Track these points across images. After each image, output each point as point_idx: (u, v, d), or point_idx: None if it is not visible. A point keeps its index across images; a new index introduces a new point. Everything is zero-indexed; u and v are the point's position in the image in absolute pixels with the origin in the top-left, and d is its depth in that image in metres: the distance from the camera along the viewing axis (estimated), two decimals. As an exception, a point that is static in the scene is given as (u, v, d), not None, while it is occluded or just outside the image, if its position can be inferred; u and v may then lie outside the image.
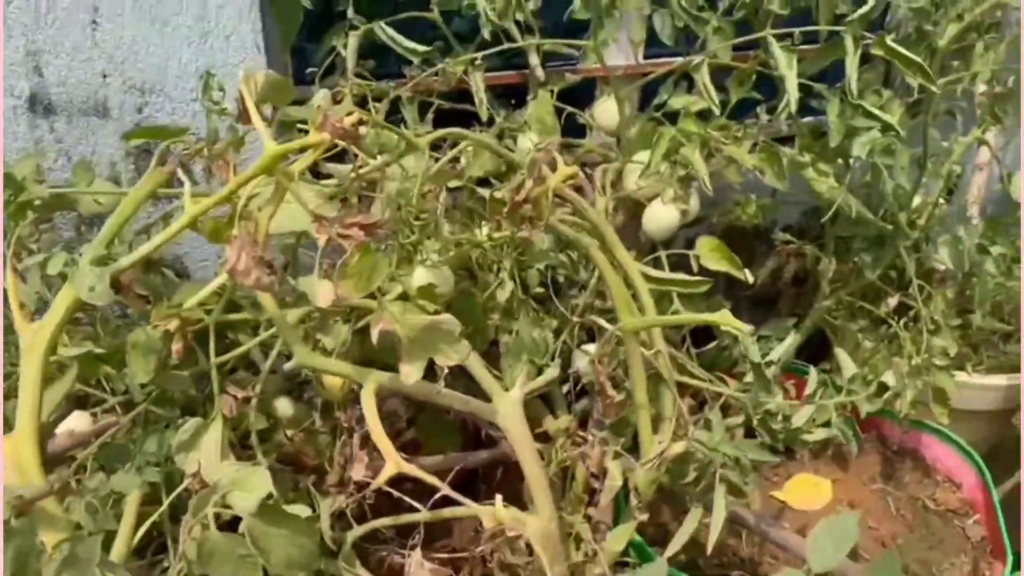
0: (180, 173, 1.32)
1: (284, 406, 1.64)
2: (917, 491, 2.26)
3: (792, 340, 1.84)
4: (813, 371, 1.53)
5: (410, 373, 1.19)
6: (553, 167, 1.27)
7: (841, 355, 1.62)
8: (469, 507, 1.29)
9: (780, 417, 1.51)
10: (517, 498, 1.70)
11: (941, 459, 2.30)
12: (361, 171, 1.39)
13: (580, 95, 2.20)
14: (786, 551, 1.84)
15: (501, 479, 1.91)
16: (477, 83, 1.72)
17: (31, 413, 1.12)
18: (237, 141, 1.51)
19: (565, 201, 1.49)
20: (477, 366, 1.34)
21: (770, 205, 2.20)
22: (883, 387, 1.62)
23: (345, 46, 1.84)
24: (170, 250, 1.92)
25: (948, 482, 2.28)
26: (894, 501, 2.25)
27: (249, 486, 1.01)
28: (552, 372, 1.54)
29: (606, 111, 2.01)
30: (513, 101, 2.16)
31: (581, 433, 1.71)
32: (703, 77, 1.63)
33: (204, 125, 1.85)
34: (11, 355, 1.60)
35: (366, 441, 1.31)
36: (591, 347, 1.60)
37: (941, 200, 2.24)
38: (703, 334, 1.87)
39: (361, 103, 1.81)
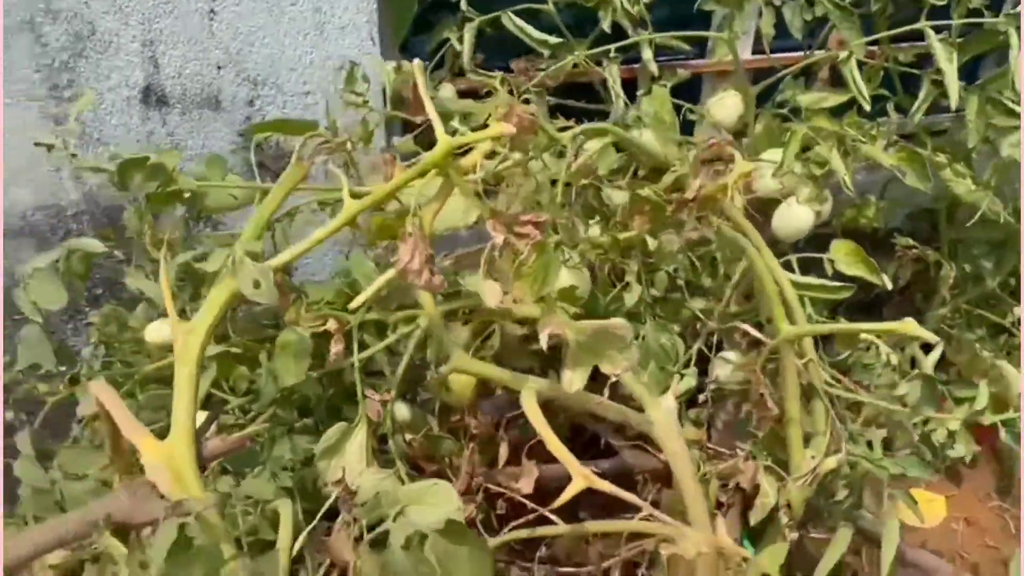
0: (332, 169, 1.27)
1: (402, 410, 1.58)
2: (1038, 509, 2.16)
3: (937, 348, 1.74)
4: (983, 386, 1.43)
5: (573, 380, 1.12)
6: (729, 160, 1.19)
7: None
8: (625, 522, 1.22)
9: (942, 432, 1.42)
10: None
11: (1062, 476, 2.19)
12: (504, 166, 1.33)
13: (681, 91, 2.13)
14: (916, 568, 1.75)
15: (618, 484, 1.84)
16: (613, 76, 1.65)
17: (187, 418, 1.06)
18: (367, 135, 1.47)
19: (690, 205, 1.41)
20: (628, 376, 1.27)
21: (887, 207, 2.10)
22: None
23: (460, 39, 1.78)
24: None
25: (1070, 499, 2.17)
26: (1012, 520, 2.15)
27: (431, 500, 0.95)
28: (690, 380, 1.46)
29: (724, 106, 1.93)
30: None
31: (710, 444, 1.64)
32: (852, 71, 1.55)
33: (312, 117, 1.81)
34: (122, 351, 1.56)
35: (517, 450, 1.25)
36: (731, 355, 1.53)
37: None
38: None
39: (474, 97, 1.75)
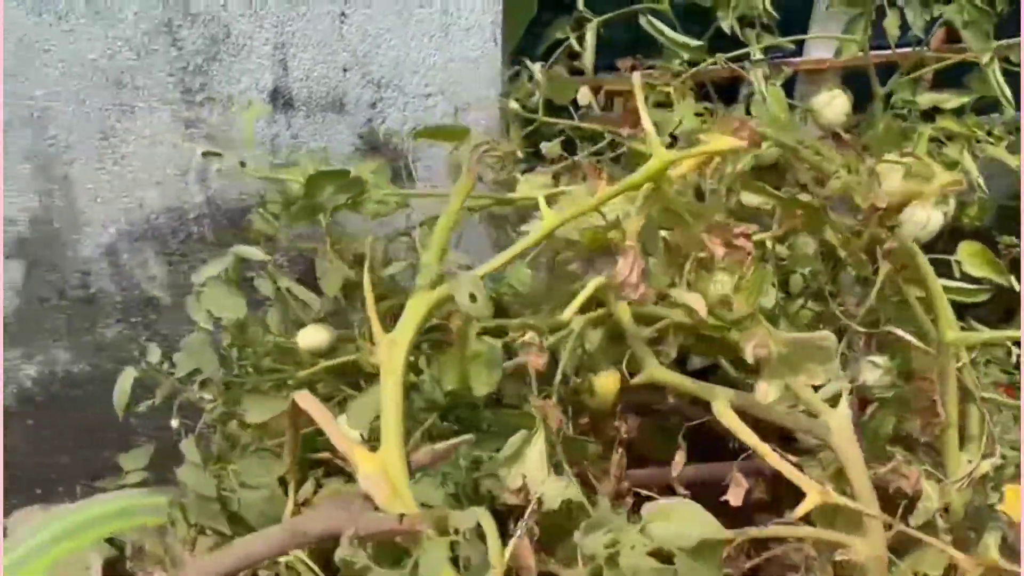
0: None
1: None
2: None
3: None
4: None
5: (768, 392, 1.13)
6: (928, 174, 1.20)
7: None
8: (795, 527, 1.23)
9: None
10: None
11: None
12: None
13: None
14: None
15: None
16: (759, 78, 1.64)
17: (396, 430, 1.07)
18: (520, 141, 1.46)
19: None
20: (800, 385, 1.27)
21: (989, 204, 2.10)
22: None
23: (579, 39, 1.77)
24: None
25: None
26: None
27: (680, 519, 0.95)
28: (840, 383, 1.47)
29: (833, 106, 1.92)
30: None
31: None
32: (996, 73, 1.55)
33: (433, 121, 1.81)
34: (255, 356, 1.56)
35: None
36: (880, 359, 1.53)
37: None
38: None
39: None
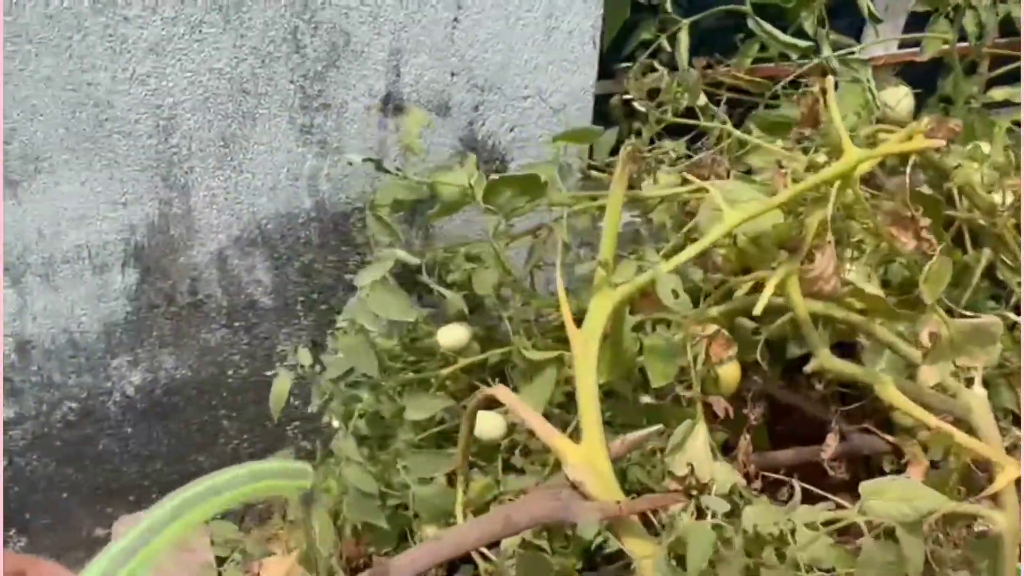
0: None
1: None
2: None
3: None
4: None
5: (931, 375, 1.20)
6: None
7: None
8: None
9: None
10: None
11: None
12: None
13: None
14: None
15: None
16: (867, 76, 1.72)
17: (596, 422, 1.12)
18: (647, 141, 1.52)
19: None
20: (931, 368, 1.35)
21: None
22: None
23: (670, 39, 1.83)
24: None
25: None
26: None
27: (897, 495, 1.02)
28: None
29: (903, 104, 2.01)
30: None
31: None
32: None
33: (530, 123, 1.86)
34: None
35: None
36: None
37: None
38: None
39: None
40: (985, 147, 1.81)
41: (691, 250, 1.15)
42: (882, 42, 2.19)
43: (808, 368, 1.28)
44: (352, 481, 1.36)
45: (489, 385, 1.57)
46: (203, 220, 1.71)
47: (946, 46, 1.81)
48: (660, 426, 1.19)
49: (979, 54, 1.94)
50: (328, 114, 1.68)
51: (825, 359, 1.24)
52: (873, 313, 1.20)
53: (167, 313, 1.80)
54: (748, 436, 1.59)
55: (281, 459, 1.45)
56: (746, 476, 1.59)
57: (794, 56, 1.72)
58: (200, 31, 1.51)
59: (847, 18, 2.24)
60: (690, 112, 1.77)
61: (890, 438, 1.77)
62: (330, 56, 1.62)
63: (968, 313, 1.61)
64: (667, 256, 1.24)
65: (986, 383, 1.70)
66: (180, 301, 1.79)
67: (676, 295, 1.08)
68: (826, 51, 2.02)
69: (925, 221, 1.09)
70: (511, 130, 1.85)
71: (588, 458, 1.10)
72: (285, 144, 1.68)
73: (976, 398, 1.35)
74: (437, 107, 1.77)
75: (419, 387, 1.40)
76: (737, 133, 1.50)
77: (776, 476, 1.56)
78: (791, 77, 1.72)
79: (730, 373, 1.57)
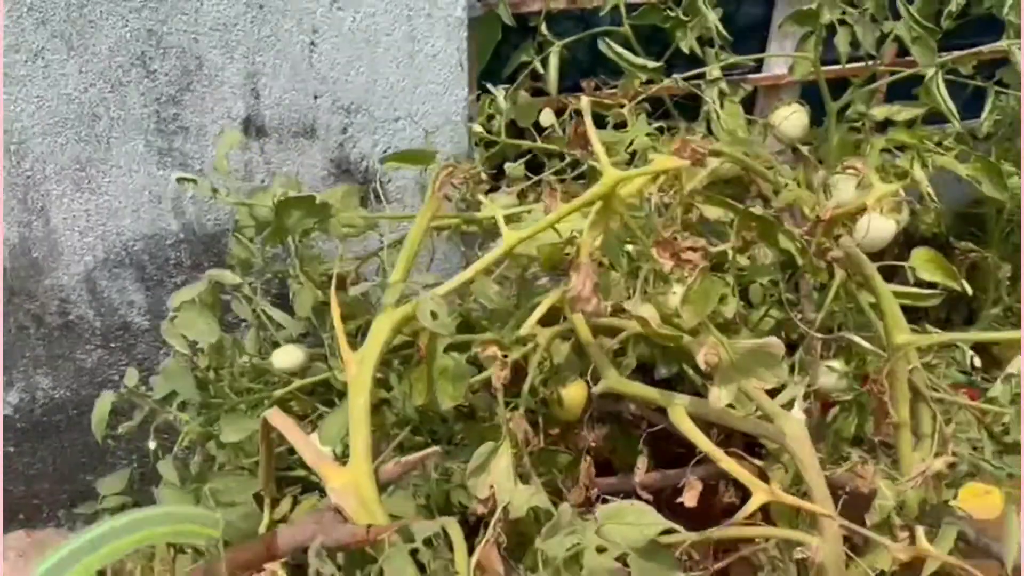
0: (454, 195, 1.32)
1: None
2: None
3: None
4: None
5: (721, 397, 1.18)
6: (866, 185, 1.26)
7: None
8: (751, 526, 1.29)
9: None
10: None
11: (1115, 466, 2.27)
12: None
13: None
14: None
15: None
16: (714, 97, 1.71)
17: (364, 444, 1.11)
18: (485, 162, 1.52)
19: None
20: (756, 391, 1.33)
21: (945, 213, 2.18)
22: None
23: (542, 62, 1.84)
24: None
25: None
26: (1073, 510, 2.22)
27: (632, 519, 1.00)
28: (798, 389, 1.53)
29: (790, 120, 1.99)
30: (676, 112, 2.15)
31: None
32: (939, 86, 1.62)
33: (403, 145, 1.86)
34: (230, 377, 1.60)
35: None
36: (836, 363, 1.59)
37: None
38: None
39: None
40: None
41: (467, 272, 1.15)
42: (775, 56, 2.18)
43: (595, 390, 1.26)
44: (170, 503, 1.37)
45: (330, 406, 1.59)
46: (66, 242, 1.73)
47: (812, 69, 1.78)
48: (437, 448, 1.18)
49: (855, 72, 1.93)
50: (187, 137, 1.70)
51: (614, 381, 1.22)
52: (653, 336, 1.19)
53: (38, 335, 1.82)
54: (588, 459, 1.57)
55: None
56: (587, 500, 1.58)
57: (642, 77, 1.72)
58: (43, 58, 1.54)
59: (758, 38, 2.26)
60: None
61: (757, 462, 1.75)
62: (183, 80, 1.65)
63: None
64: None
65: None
66: (51, 322, 1.82)
67: (435, 316, 1.07)
68: (714, 72, 2.01)
69: (690, 243, 1.07)
70: (385, 151, 1.86)
71: (352, 482, 1.09)
72: (144, 167, 1.70)
73: (792, 422, 1.33)
74: (303, 130, 1.78)
75: (243, 410, 1.40)
76: (567, 155, 1.50)
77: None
78: (634, 98, 1.70)
79: (574, 395, 1.56)
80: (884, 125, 1.98)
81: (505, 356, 1.18)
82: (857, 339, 1.48)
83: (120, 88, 1.62)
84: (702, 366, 1.13)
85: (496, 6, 1.81)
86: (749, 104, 2.33)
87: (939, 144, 1.84)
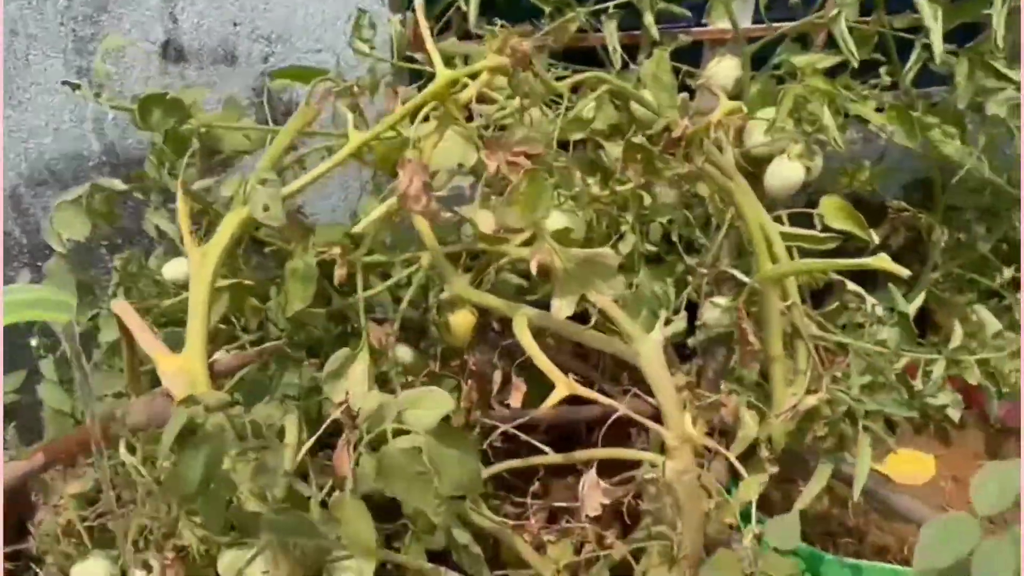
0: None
1: (404, 353, 1.65)
2: None
3: (922, 294, 1.78)
4: (957, 325, 1.49)
5: (562, 308, 1.20)
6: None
7: (980, 311, 1.58)
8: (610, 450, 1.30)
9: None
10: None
11: (1049, 437, 2.25)
12: (503, 112, 1.40)
13: (683, 58, 2.18)
14: (900, 518, 1.81)
15: (608, 434, 1.92)
16: (611, 31, 1.71)
17: (200, 332, 1.14)
18: (374, 84, 1.54)
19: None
20: (613, 308, 1.34)
21: (881, 171, 2.16)
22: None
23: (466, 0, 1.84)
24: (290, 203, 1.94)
25: (1056, 462, 2.23)
26: (1000, 478, 2.20)
27: (427, 404, 1.02)
28: (680, 323, 1.53)
29: (722, 70, 1.98)
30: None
31: (699, 390, 1.70)
32: (842, 29, 1.61)
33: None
34: (141, 292, 1.64)
35: (507, 378, 1.33)
36: (721, 299, 1.59)
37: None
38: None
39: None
40: (768, 113, 1.78)
41: (310, 175, 1.17)
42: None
43: (442, 296, 1.28)
44: (48, 401, 1.41)
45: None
46: (-11, 157, 1.79)
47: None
48: (278, 343, 1.20)
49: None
50: (105, 58, 1.74)
51: (460, 288, 1.24)
52: (488, 243, 1.20)
53: (-36, 248, 1.88)
54: (471, 383, 1.59)
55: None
56: (468, 423, 1.60)
57: (547, 9, 1.72)
58: (-43, -31, 1.59)
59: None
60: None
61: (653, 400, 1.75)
62: (99, 0, 1.68)
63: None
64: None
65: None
66: (-24, 237, 1.88)
67: (267, 208, 1.10)
68: (647, 18, 2.00)
69: (523, 148, 1.08)
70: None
71: (184, 368, 1.13)
72: (64, 87, 1.74)
73: (649, 343, 1.33)
74: (223, 56, 1.81)
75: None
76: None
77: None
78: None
79: (461, 321, 1.58)
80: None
81: (345, 255, 1.20)
82: (734, 272, 1.48)
83: (38, 5, 1.66)
84: (534, 271, 1.14)
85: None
86: (695, 58, 2.32)
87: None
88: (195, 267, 1.17)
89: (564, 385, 1.06)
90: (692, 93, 2.16)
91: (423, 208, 1.10)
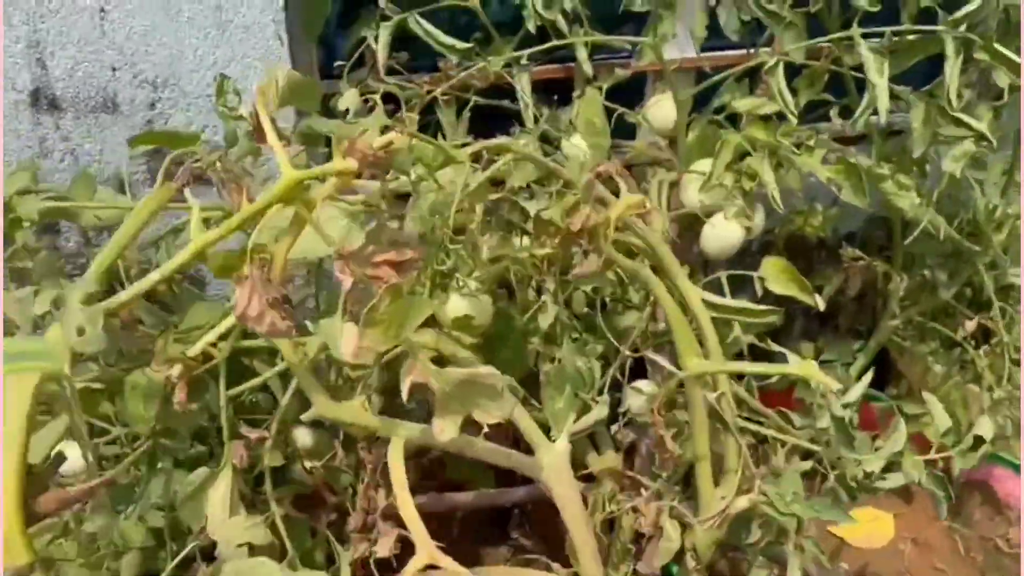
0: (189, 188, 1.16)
1: (303, 436, 1.50)
2: (988, 530, 2.08)
3: (865, 377, 1.63)
4: (900, 422, 1.34)
5: (445, 429, 1.03)
6: (615, 191, 1.10)
7: (931, 401, 1.43)
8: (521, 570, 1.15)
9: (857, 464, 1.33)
10: (555, 536, 1.54)
11: (1015, 495, 2.11)
12: (392, 187, 1.23)
13: (629, 92, 2.01)
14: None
15: (539, 517, 1.76)
16: (523, 85, 1.54)
17: (15, 472, 0.97)
18: (254, 151, 1.37)
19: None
20: (521, 414, 1.18)
21: (835, 215, 2.01)
22: (979, 440, 1.43)
23: (376, 38, 1.67)
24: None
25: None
26: (963, 540, 2.08)
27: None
28: (601, 411, 1.38)
29: (661, 110, 1.82)
30: (556, 96, 1.98)
31: (630, 473, 1.55)
32: (778, 81, 1.44)
33: (218, 123, 1.71)
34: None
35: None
36: (644, 384, 1.44)
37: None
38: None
39: (394, 102, 1.65)
40: (706, 164, 1.63)
41: (142, 283, 1.00)
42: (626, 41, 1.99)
43: (304, 416, 1.12)
44: None
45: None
46: None
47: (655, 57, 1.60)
48: (110, 476, 1.04)
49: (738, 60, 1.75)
50: (-34, 109, 1.56)
51: (323, 408, 1.08)
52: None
53: None
54: (367, 482, 1.43)
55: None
56: (364, 525, 1.44)
57: (453, 58, 1.55)
58: None
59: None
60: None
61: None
62: (-47, 47, 1.50)
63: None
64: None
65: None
66: None
67: (82, 332, 0.93)
68: (580, 54, 1.83)
69: (391, 255, 0.92)
70: (203, 130, 1.71)
71: (-8, 514, 0.96)
72: (-80, 140, 1.57)
73: (553, 454, 1.18)
74: (103, 104, 1.63)
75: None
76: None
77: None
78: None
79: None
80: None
81: (188, 373, 1.04)
82: (658, 358, 1.32)
83: None
84: (405, 395, 0.98)
85: (323, -26, 1.65)
86: (639, 88, 2.15)
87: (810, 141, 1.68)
88: (8, 395, 1.00)
89: (426, 554, 0.90)
90: (634, 130, 2.02)
91: (269, 328, 0.93)
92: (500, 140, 1.26)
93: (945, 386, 2.05)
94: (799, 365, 1.08)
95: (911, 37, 1.48)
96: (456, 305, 1.27)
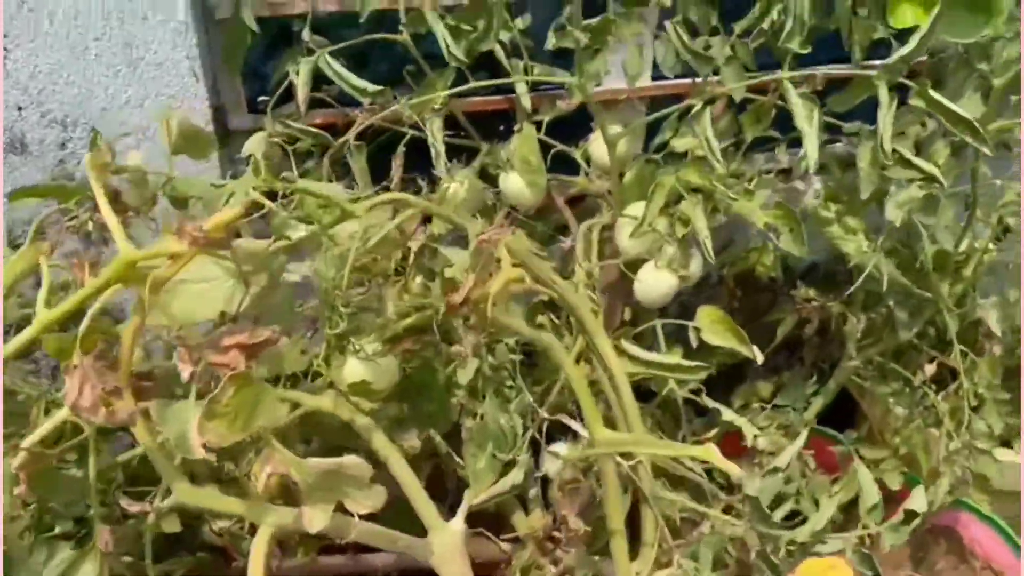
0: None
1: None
2: (952, 578, 2.00)
3: (794, 444, 1.53)
4: (827, 503, 1.26)
5: (314, 519, 0.96)
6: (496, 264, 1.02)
7: (862, 472, 1.34)
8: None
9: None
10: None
11: (980, 541, 2.03)
12: (279, 245, 1.16)
13: (578, 123, 1.93)
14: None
15: None
16: (434, 133, 1.45)
17: None
18: (148, 199, 1.30)
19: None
20: (415, 492, 1.10)
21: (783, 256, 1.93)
22: (911, 515, 1.35)
23: (299, 73, 1.59)
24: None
25: (987, 569, 2.01)
26: (925, 591, 1.99)
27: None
28: (516, 476, 1.30)
29: (600, 147, 1.75)
30: (502, 127, 1.90)
31: (556, 534, 1.47)
32: (705, 128, 1.36)
33: (143, 164, 1.64)
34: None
35: None
36: (561, 447, 1.36)
37: (990, 245, 1.94)
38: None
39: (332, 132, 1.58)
40: (638, 207, 1.55)
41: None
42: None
43: (163, 504, 1.04)
44: None
45: None
46: None
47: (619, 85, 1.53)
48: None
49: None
50: None
51: (184, 494, 1.00)
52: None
53: None
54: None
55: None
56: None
57: (365, 101, 1.47)
58: None
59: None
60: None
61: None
62: None
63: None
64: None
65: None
66: None
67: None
68: (520, 90, 1.75)
69: (242, 338, 0.84)
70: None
71: None
72: None
73: (446, 536, 1.10)
74: (10, 145, 1.57)
75: None
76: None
77: None
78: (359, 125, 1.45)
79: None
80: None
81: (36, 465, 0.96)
82: (573, 423, 1.24)
83: None
84: (260, 488, 0.91)
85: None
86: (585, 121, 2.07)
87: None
88: None
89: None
90: (576, 166, 1.94)
91: (108, 419, 0.86)
92: (400, 195, 1.18)
93: (907, 429, 1.97)
94: (699, 449, 0.99)
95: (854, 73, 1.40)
96: (354, 370, 1.19)
